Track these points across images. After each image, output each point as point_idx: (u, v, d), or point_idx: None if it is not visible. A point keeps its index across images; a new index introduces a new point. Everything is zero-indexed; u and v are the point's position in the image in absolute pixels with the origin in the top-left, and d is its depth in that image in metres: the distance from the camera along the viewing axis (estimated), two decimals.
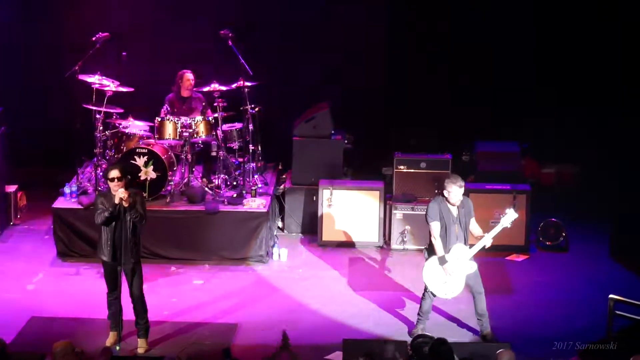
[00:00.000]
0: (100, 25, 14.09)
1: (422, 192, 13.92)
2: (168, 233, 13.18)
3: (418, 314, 11.17)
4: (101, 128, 13.56)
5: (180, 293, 12.34)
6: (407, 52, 15.57)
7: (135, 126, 13.67)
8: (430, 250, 11.00)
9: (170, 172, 13.49)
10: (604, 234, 13.71)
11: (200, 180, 13.74)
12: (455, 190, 10.85)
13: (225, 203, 13.38)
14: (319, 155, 14.22)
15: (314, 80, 15.46)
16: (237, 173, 13.94)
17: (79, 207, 13.27)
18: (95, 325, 11.28)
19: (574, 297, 12.28)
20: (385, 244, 13.79)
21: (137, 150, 13.36)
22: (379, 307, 11.99)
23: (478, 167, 14.53)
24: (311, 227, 13.99)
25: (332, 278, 12.89)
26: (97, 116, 13.52)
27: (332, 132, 14.35)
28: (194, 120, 13.55)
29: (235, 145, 13.95)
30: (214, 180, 13.76)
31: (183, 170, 13.70)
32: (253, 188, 13.69)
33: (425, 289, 11.04)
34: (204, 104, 14.02)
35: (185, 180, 13.65)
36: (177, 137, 13.56)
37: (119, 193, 10.40)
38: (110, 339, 10.87)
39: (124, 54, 14.26)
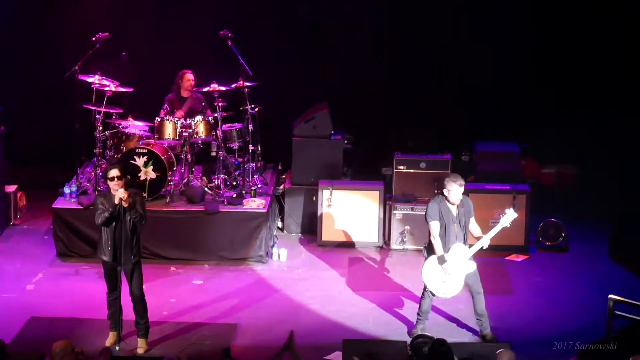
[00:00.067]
0: (100, 25, 14.09)
1: (422, 192, 13.93)
2: (168, 233, 13.18)
3: (417, 314, 11.16)
4: (101, 128, 13.57)
5: (179, 293, 12.34)
6: (408, 52, 15.56)
7: (135, 126, 13.67)
8: (430, 250, 11.00)
9: (170, 172, 13.49)
10: (604, 234, 13.71)
11: (200, 181, 13.74)
12: (455, 189, 10.84)
13: (225, 203, 13.38)
14: (319, 156, 14.22)
15: (315, 81, 15.46)
16: (236, 173, 13.94)
17: (79, 207, 13.27)
18: (95, 326, 11.27)
19: (574, 297, 12.28)
20: (385, 244, 13.79)
21: (137, 150, 13.36)
22: (379, 307, 11.99)
23: (478, 167, 14.53)
24: (311, 227, 13.99)
25: (331, 278, 12.89)
26: (97, 116, 13.52)
27: (332, 132, 14.35)
28: (194, 121, 13.55)
29: (235, 145, 13.95)
30: (213, 181, 13.76)
31: (183, 171, 13.71)
32: (253, 188, 13.69)
33: (425, 288, 11.04)
34: (203, 104, 14.02)
35: (185, 181, 13.65)
36: (177, 137, 13.56)
37: (119, 193, 10.39)
38: (109, 339, 10.86)
39: (123, 54, 14.26)
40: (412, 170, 14.02)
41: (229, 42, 13.73)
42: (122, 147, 13.68)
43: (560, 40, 15.37)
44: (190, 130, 13.54)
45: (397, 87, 15.66)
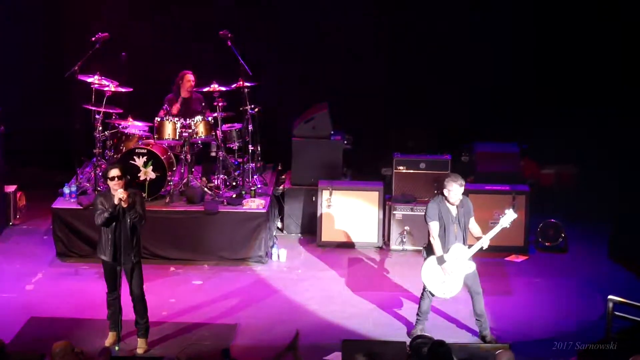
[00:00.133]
0: (100, 26, 14.09)
1: (422, 192, 13.93)
2: (167, 233, 13.18)
3: (417, 314, 11.16)
4: (100, 128, 13.56)
5: (179, 293, 12.34)
6: (408, 52, 15.56)
7: (135, 126, 13.67)
8: (429, 250, 10.99)
9: (170, 173, 13.49)
10: (604, 235, 13.71)
11: (199, 181, 13.74)
12: (455, 189, 10.84)
13: (225, 203, 13.37)
14: (319, 156, 14.22)
15: (315, 81, 15.46)
16: (236, 173, 13.94)
17: (79, 207, 13.27)
18: (95, 326, 11.27)
19: (573, 298, 12.28)
20: (385, 245, 13.78)
21: (137, 150, 13.36)
22: (378, 307, 11.99)
23: (477, 168, 14.52)
24: (310, 228, 13.99)
25: (331, 278, 12.88)
26: (97, 116, 13.52)
27: (332, 132, 14.34)
28: (194, 121, 13.55)
29: (235, 145, 13.94)
30: (213, 181, 13.76)
31: (182, 171, 13.70)
32: (252, 188, 13.69)
33: (424, 288, 11.04)
34: (203, 104, 14.01)
35: (184, 181, 13.65)
36: (177, 138, 13.55)
37: (118, 193, 10.39)
38: (109, 339, 10.86)
39: (123, 54, 14.25)
40: (411, 171, 14.02)
41: (229, 42, 13.73)
42: (121, 147, 13.68)
43: (560, 41, 15.36)
44: (190, 131, 13.54)
45: (397, 87, 15.66)
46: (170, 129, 13.51)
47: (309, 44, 15.47)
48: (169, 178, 13.45)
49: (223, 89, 13.72)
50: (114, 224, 10.51)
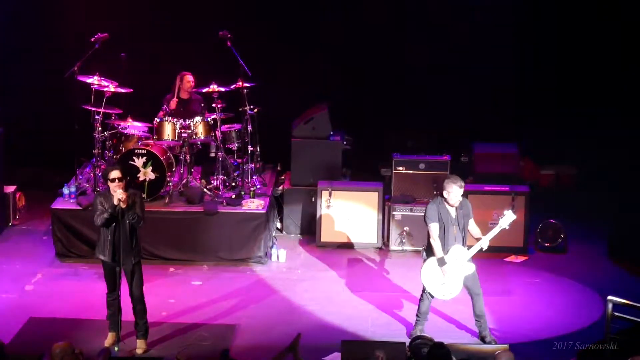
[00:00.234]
0: (100, 26, 14.08)
1: (421, 193, 13.92)
2: (167, 234, 13.18)
3: (416, 315, 11.15)
4: (100, 129, 13.56)
5: (178, 294, 12.33)
6: (408, 52, 15.55)
7: (134, 127, 13.67)
8: (429, 251, 10.99)
9: (169, 173, 13.49)
10: (603, 235, 13.70)
11: (199, 181, 13.74)
12: (455, 191, 10.83)
13: (224, 204, 13.37)
14: (318, 157, 14.21)
15: (315, 81, 15.46)
16: (235, 174, 13.94)
17: (78, 207, 13.27)
18: (94, 326, 11.27)
19: (573, 299, 12.28)
20: (384, 245, 13.78)
21: (136, 151, 13.36)
22: (378, 308, 11.99)
23: (475, 169, 14.53)
24: (310, 228, 13.99)
25: (330, 279, 12.88)
26: (96, 117, 13.51)
27: (331, 133, 14.34)
28: (193, 121, 13.55)
29: (234, 146, 13.94)
30: (212, 181, 13.76)
31: (182, 171, 13.71)
32: (252, 189, 13.69)
33: (424, 290, 11.03)
34: (202, 105, 14.01)
35: (184, 181, 13.65)
36: (176, 138, 13.55)
37: (117, 194, 10.38)
38: (109, 340, 10.86)
39: (122, 54, 14.25)
40: (411, 172, 14.01)
41: (229, 42, 13.73)
42: (121, 148, 13.68)
43: (560, 41, 15.38)
44: (190, 131, 13.54)
45: (397, 87, 15.66)
46: (169, 129, 13.50)
47: (309, 44, 15.47)
48: (168, 179, 13.45)
49: (222, 89, 13.72)
50: (114, 224, 10.50)
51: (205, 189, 13.58)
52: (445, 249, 10.86)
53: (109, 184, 10.49)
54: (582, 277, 12.83)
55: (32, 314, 11.62)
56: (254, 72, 13.75)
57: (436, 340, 9.28)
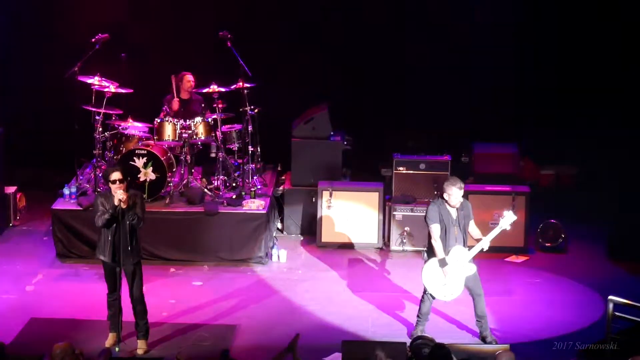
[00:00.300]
0: (100, 26, 14.09)
1: (422, 193, 13.92)
2: (167, 234, 13.18)
3: (417, 316, 11.14)
4: (100, 129, 13.56)
5: (179, 294, 12.33)
6: (408, 52, 15.56)
7: (135, 127, 13.67)
8: (430, 252, 10.98)
9: (170, 174, 13.49)
10: (603, 235, 13.70)
11: (199, 182, 13.74)
12: (455, 193, 10.82)
13: (225, 204, 13.37)
14: (318, 157, 14.21)
15: (315, 81, 15.46)
16: (236, 174, 13.94)
17: (78, 208, 13.27)
18: (95, 327, 11.27)
19: (573, 299, 12.28)
20: (385, 246, 13.78)
21: (137, 151, 13.36)
22: (378, 308, 11.99)
23: (475, 169, 14.53)
24: (310, 229, 13.99)
25: (331, 279, 12.88)
26: (97, 117, 13.51)
27: (331, 133, 14.34)
28: (194, 122, 13.55)
29: (235, 146, 13.94)
30: (213, 182, 13.76)
31: (182, 172, 13.70)
32: (252, 189, 13.69)
33: (425, 291, 11.02)
34: (203, 105, 14.01)
35: (184, 182, 13.65)
36: (177, 139, 13.55)
37: (118, 194, 10.38)
38: (109, 340, 10.86)
39: (123, 55, 14.25)
40: (411, 172, 14.01)
41: (229, 43, 13.72)
42: (121, 148, 13.68)
43: (560, 41, 15.38)
44: (190, 132, 13.54)
45: (397, 87, 15.66)
46: (170, 130, 13.50)
47: (309, 44, 15.47)
48: (168, 179, 13.45)
49: (223, 90, 13.72)
50: (114, 225, 10.50)
51: (205, 190, 13.58)
52: (446, 250, 10.86)
53: (110, 185, 10.49)
54: (582, 277, 12.83)
55: (32, 315, 11.62)
56: (254, 73, 13.75)
57: (437, 340, 9.29)
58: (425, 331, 10.98)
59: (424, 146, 14.78)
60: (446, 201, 10.87)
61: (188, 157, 13.64)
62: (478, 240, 10.91)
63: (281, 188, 14.32)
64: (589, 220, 14.23)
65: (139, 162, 13.32)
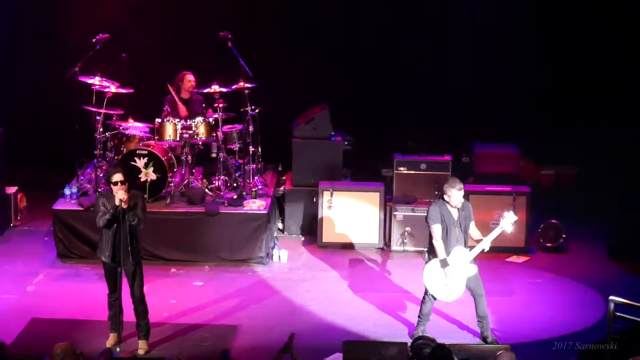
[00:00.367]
0: (100, 27, 14.09)
1: (422, 193, 13.92)
2: (168, 234, 13.18)
3: (418, 316, 11.14)
4: (101, 129, 13.56)
5: (180, 294, 12.34)
6: (408, 52, 15.56)
7: (135, 127, 13.67)
8: (431, 253, 10.98)
9: (171, 174, 13.49)
10: (604, 235, 13.71)
11: (200, 182, 13.74)
12: (455, 194, 10.82)
13: (226, 204, 13.38)
14: (319, 157, 14.22)
15: (315, 81, 15.47)
16: (237, 174, 13.94)
17: (79, 208, 13.27)
18: (96, 327, 11.27)
19: (574, 299, 12.29)
20: (386, 246, 13.79)
21: (137, 151, 13.36)
22: (379, 308, 11.99)
23: (475, 169, 14.54)
24: (311, 229, 14.00)
25: (332, 279, 12.89)
26: (97, 117, 13.51)
27: (332, 133, 14.35)
28: (195, 122, 13.55)
29: (236, 146, 13.95)
30: (214, 182, 13.76)
31: (183, 172, 13.71)
32: (253, 189, 13.69)
33: (426, 292, 11.02)
34: (204, 105, 14.01)
35: (185, 182, 13.65)
36: (177, 139, 13.55)
37: (119, 195, 10.39)
38: (110, 340, 10.86)
39: (124, 55, 14.25)
40: (412, 172, 14.01)
41: (229, 43, 13.73)
42: (122, 149, 13.68)
43: (560, 41, 15.38)
44: (191, 132, 13.54)
45: (397, 87, 15.67)
46: (170, 130, 13.50)
47: (310, 44, 15.47)
48: (169, 179, 13.45)
49: (223, 90, 13.72)
50: (115, 225, 10.51)
51: (206, 190, 13.58)
52: (447, 251, 10.86)
53: (112, 186, 10.49)
54: (583, 277, 12.84)
55: (33, 315, 11.62)
56: (254, 73, 13.76)
57: (438, 340, 9.29)
58: (427, 331, 10.99)
59: (424, 146, 14.80)
60: (447, 202, 10.88)
61: (189, 157, 13.65)
62: (478, 241, 10.91)
63: (282, 188, 14.33)
64: (589, 220, 14.25)
65: (140, 163, 13.32)
